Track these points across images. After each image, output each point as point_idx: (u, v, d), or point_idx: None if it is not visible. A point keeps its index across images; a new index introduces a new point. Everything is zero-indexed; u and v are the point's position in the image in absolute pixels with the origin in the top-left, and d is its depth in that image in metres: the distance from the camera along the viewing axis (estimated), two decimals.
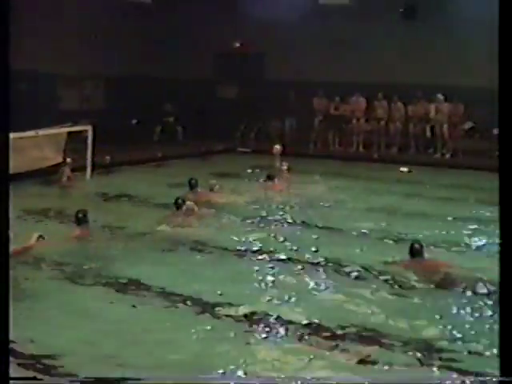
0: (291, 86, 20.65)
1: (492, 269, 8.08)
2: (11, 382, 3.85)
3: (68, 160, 14.02)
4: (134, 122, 20.79)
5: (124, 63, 20.84)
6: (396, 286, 7.65)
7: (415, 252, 8.06)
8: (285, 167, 14.39)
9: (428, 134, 19.53)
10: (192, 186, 12.19)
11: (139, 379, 5.19)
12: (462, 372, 5.50)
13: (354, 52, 20.46)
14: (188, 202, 10.35)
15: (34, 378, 5.23)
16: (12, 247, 5.44)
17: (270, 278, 7.92)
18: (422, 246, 8.14)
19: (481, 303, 7.08)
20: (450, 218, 11.40)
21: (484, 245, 9.62)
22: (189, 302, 7.03)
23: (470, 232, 10.37)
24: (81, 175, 14.45)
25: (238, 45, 22.58)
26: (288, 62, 21.10)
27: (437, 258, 8.54)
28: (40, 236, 7.99)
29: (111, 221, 10.52)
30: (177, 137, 20.85)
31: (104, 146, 15.53)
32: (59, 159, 14.22)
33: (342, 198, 13.15)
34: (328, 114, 20.46)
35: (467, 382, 5.34)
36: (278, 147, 15.54)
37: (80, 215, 9.22)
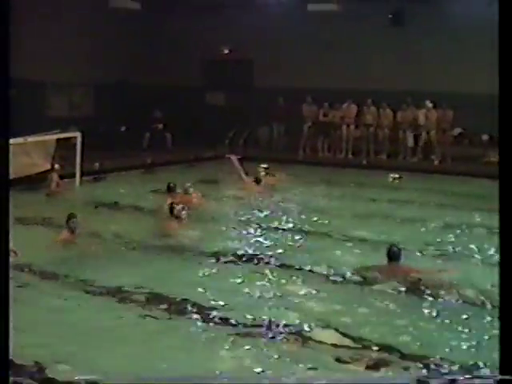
0: (280, 93, 20.68)
1: (468, 275, 8.18)
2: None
3: (56, 167, 13.99)
4: (123, 128, 20.77)
5: (113, 70, 20.83)
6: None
7: (393, 256, 7.98)
8: (263, 173, 14.40)
9: (411, 142, 19.55)
10: (170, 189, 12.34)
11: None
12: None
13: (342, 58, 20.52)
14: (178, 206, 10.37)
15: (34, 379, 5.23)
16: None
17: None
18: (399, 250, 8.07)
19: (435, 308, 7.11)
20: (434, 224, 11.38)
21: (468, 251, 9.63)
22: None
23: (454, 238, 10.37)
24: (70, 182, 14.40)
25: (226, 51, 22.61)
26: (277, 68, 21.14)
27: (417, 263, 8.50)
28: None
29: (98, 227, 10.47)
30: (166, 143, 20.81)
31: (93, 153, 15.50)
32: (48, 166, 14.20)
33: (329, 204, 13.18)
34: (317, 120, 20.50)
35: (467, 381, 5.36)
36: (233, 157, 15.03)
37: (68, 219, 9.29)
